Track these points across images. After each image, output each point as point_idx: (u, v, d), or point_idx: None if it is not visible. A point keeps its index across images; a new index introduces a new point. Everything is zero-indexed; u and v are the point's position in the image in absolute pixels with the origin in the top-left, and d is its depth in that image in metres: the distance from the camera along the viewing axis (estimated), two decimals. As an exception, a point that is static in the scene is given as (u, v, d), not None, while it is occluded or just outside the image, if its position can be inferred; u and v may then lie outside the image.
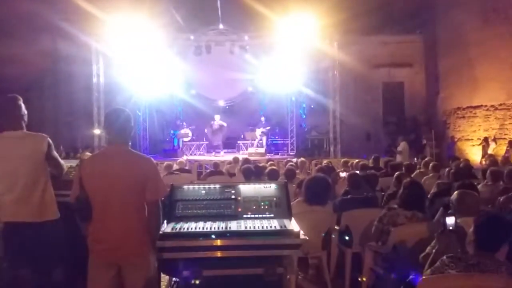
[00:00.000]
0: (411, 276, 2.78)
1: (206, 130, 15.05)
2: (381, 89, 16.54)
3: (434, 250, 2.74)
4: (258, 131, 14.97)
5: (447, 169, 6.38)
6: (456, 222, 2.72)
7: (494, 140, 12.98)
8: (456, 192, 3.42)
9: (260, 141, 14.94)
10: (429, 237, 2.91)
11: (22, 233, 2.95)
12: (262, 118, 15.22)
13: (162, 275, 3.34)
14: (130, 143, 2.72)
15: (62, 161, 3.28)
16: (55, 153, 3.19)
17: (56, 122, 15.02)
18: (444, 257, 2.51)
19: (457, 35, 14.11)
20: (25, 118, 3.13)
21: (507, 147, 12.07)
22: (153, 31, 12.23)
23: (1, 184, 3.00)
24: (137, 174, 2.57)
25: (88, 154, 8.32)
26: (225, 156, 13.50)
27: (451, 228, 2.67)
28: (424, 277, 2.54)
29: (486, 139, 13.13)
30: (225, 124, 14.86)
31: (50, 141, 3.13)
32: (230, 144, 15.86)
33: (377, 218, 3.80)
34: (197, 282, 2.65)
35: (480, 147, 13.48)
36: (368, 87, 15.94)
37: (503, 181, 5.19)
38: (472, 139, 14.29)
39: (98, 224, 2.56)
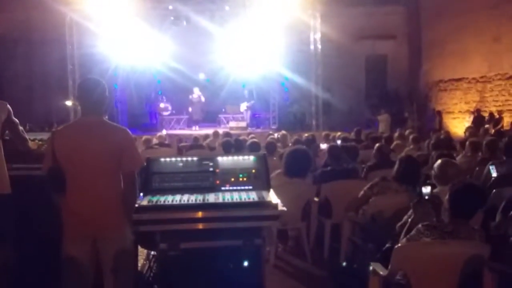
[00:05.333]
0: (387, 245, 2.82)
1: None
2: (364, 62, 16.47)
3: (410, 219, 2.77)
4: (243, 106, 14.78)
5: (427, 141, 6.45)
6: (432, 191, 2.75)
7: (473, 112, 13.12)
8: (439, 161, 3.44)
9: (242, 115, 14.76)
10: (407, 207, 2.94)
11: None
12: (246, 92, 14.99)
13: (140, 248, 3.32)
14: (105, 115, 2.63)
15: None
16: (16, 120, 3.03)
17: (30, 94, 14.55)
18: (420, 225, 2.54)
19: (440, 6, 14.02)
20: None
21: (487, 119, 12.23)
22: (130, 1, 11.79)
23: None
24: (112, 144, 2.51)
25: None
26: (201, 131, 13.12)
27: (426, 197, 2.71)
28: (399, 244, 2.57)
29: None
30: (203, 98, 14.44)
31: (10, 108, 2.95)
32: (210, 118, 15.56)
33: (368, 185, 3.79)
34: (175, 254, 2.63)
35: (462, 119, 13.60)
36: (351, 60, 15.80)
37: (482, 152, 5.25)
38: (453, 112, 14.46)
39: (72, 197, 2.49)
